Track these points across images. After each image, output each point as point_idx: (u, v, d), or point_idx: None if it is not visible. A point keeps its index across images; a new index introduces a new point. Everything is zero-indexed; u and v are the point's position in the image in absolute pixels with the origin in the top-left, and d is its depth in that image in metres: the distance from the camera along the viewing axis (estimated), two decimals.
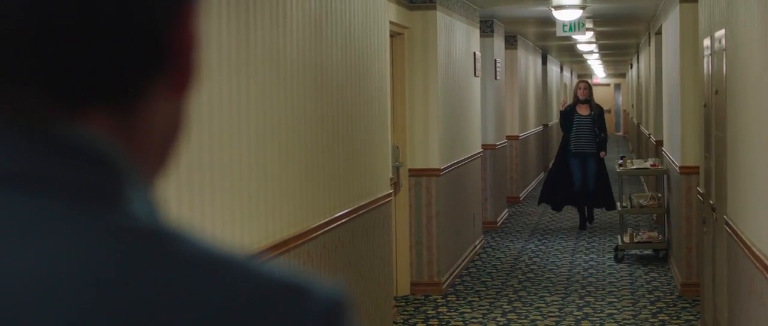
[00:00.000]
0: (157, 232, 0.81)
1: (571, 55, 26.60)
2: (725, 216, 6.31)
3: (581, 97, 14.05)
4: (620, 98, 44.76)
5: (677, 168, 9.90)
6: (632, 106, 27.97)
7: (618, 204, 12.25)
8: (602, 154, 14.09)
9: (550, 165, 15.37)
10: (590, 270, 11.05)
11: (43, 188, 0.80)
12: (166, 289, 0.78)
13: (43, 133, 0.81)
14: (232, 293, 0.79)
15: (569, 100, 14.56)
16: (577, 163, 14.02)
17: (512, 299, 9.60)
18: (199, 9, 0.88)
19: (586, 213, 14.38)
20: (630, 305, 9.29)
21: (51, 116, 0.82)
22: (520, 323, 8.64)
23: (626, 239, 11.67)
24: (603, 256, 11.97)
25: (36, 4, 0.80)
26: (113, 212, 0.81)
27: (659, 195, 12.09)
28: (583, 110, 14.04)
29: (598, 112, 14.05)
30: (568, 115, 14.07)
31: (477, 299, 9.64)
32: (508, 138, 16.43)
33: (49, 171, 0.81)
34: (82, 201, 0.81)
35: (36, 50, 0.80)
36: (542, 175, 21.09)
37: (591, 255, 12.08)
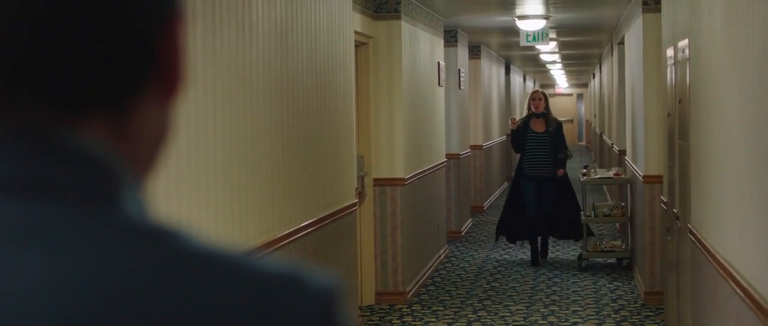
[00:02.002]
0: (157, 231, 0.85)
1: (535, 64, 26.72)
2: (689, 225, 6.35)
3: (536, 111, 11.95)
4: (583, 108, 44.97)
5: (641, 178, 9.95)
6: (595, 115, 28.12)
7: (581, 213, 12.27)
8: (560, 171, 12.00)
9: (509, 189, 12.83)
10: (554, 279, 11.08)
11: (46, 193, 0.84)
12: (170, 285, 0.82)
13: (44, 140, 0.85)
14: (231, 287, 0.83)
15: (520, 117, 12.38)
16: (531, 187, 11.96)
17: (477, 308, 9.61)
18: (185, 18, 0.93)
19: (540, 246, 12.29)
20: (594, 313, 9.32)
21: (50, 123, 0.85)
22: None
23: (590, 248, 11.72)
24: (567, 265, 12.00)
25: (34, 18, 0.84)
26: (113, 213, 0.85)
27: (622, 204, 12.15)
28: (538, 126, 11.94)
29: (556, 128, 12.02)
30: (519, 132, 12.00)
31: (442, 308, 9.64)
32: (472, 147, 16.47)
33: (51, 177, 0.84)
34: (84, 204, 0.84)
35: (35, 61, 0.84)
36: (506, 185, 21.12)
37: (555, 264, 12.12)
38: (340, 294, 0.87)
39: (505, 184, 21.36)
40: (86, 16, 0.84)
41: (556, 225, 12.12)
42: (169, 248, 0.84)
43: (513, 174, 12.57)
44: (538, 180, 11.93)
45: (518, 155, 12.31)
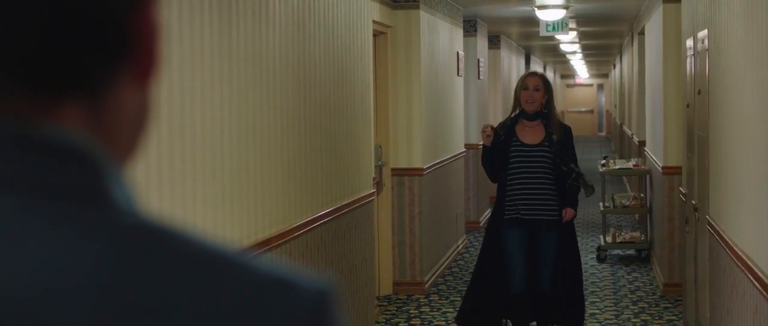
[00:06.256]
0: (148, 228, 0.82)
1: (555, 55, 26.65)
2: (707, 216, 6.32)
3: (529, 109, 7.11)
4: (603, 98, 44.85)
5: (660, 168, 9.92)
6: (615, 106, 28.04)
7: (600, 204, 12.21)
8: (568, 212, 7.04)
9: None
10: None
11: (31, 190, 0.80)
12: (160, 286, 0.79)
13: (24, 135, 0.81)
14: (222, 288, 0.80)
15: (502, 121, 7.45)
16: (517, 238, 7.04)
17: None
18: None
19: None
20: (612, 305, 9.30)
21: (26, 114, 0.82)
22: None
23: (609, 239, 11.69)
24: (585, 256, 11.95)
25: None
26: (101, 210, 0.82)
27: (642, 195, 12.11)
28: (531, 135, 7.14)
29: (563, 137, 7.11)
30: (499, 146, 7.13)
31: (459, 299, 9.62)
32: None
33: (35, 174, 0.81)
34: (71, 202, 0.81)
35: (5, 47, 0.80)
36: None
37: None
38: (334, 300, 0.84)
39: None
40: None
41: (556, 303, 7.16)
42: (157, 246, 0.81)
43: (489, 225, 7.39)
44: (531, 228, 7.07)
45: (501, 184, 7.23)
